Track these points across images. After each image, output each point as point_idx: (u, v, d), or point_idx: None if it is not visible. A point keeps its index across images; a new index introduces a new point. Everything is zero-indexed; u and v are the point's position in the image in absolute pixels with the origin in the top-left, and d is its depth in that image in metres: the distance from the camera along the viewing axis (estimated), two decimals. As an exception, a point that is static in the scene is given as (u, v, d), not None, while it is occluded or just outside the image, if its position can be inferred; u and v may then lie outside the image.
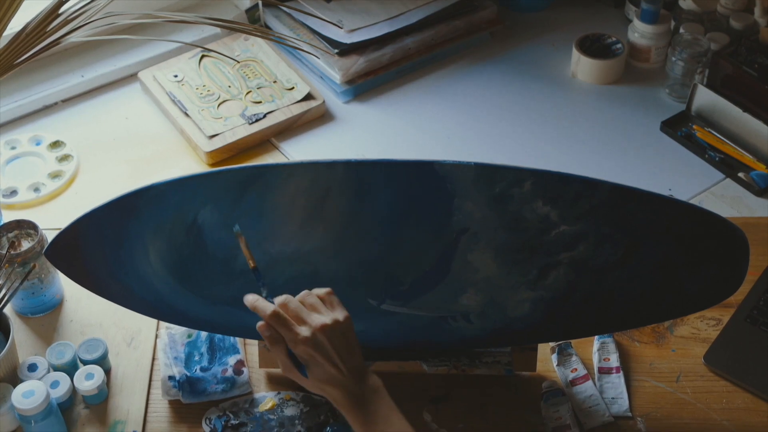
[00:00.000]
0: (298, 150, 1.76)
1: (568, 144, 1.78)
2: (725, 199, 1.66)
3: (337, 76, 1.83)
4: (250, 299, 1.13)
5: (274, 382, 1.38)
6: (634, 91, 1.89)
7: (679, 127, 1.79)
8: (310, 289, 1.15)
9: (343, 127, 1.81)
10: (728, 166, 1.72)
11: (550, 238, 1.19)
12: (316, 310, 1.11)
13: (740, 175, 1.69)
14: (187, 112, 1.77)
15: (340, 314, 1.12)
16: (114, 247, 1.23)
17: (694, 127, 1.78)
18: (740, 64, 1.74)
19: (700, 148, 1.75)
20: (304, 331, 1.09)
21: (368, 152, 1.75)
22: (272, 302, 1.11)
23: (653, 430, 1.33)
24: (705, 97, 1.77)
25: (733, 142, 1.75)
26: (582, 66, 1.89)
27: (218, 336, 1.40)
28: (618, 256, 1.20)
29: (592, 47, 1.90)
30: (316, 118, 1.81)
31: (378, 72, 1.87)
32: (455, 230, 1.18)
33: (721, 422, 1.34)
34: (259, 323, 1.11)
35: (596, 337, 1.41)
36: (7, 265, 1.37)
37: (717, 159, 1.72)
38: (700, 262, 1.22)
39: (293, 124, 1.79)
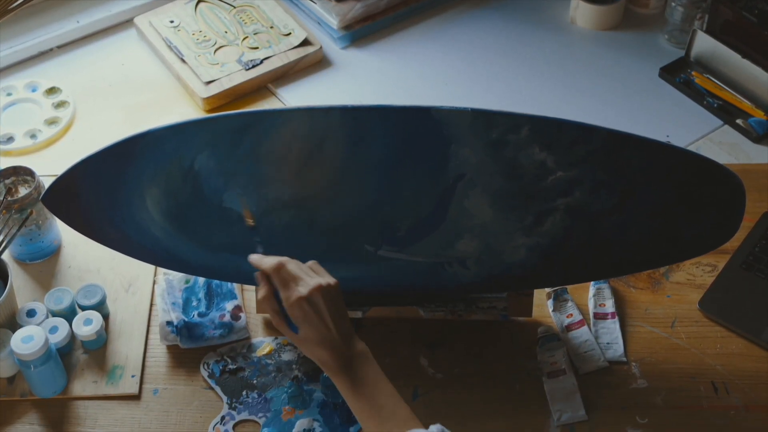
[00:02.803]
0: (295, 96, 1.75)
1: (566, 90, 1.77)
2: (723, 146, 1.66)
3: (334, 22, 1.82)
4: (255, 258, 1.16)
5: (271, 327, 1.38)
6: (632, 37, 1.88)
7: (678, 73, 1.78)
8: (306, 235, 1.16)
9: (341, 73, 1.80)
10: (726, 113, 1.71)
11: (546, 184, 1.19)
12: (310, 273, 1.14)
13: (738, 121, 1.69)
14: (184, 58, 1.76)
15: (331, 279, 1.14)
16: (111, 193, 1.23)
17: (693, 73, 1.78)
18: (740, 10, 1.72)
19: (698, 95, 1.74)
20: (301, 290, 1.11)
21: (365, 98, 1.74)
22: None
23: (648, 374, 1.34)
24: (704, 43, 1.76)
25: (731, 89, 1.74)
26: (581, 11, 1.88)
27: (216, 282, 1.41)
28: (614, 202, 1.21)
29: (591, -8, 1.89)
30: (313, 64, 1.80)
31: (375, 17, 1.86)
32: (452, 176, 1.18)
33: (715, 367, 1.35)
34: (258, 274, 1.13)
35: (592, 282, 1.42)
36: (4, 211, 1.37)
37: (715, 105, 1.72)
38: (696, 208, 1.23)
39: (290, 70, 1.78)
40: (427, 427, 1.07)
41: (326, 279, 1.14)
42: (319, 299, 1.12)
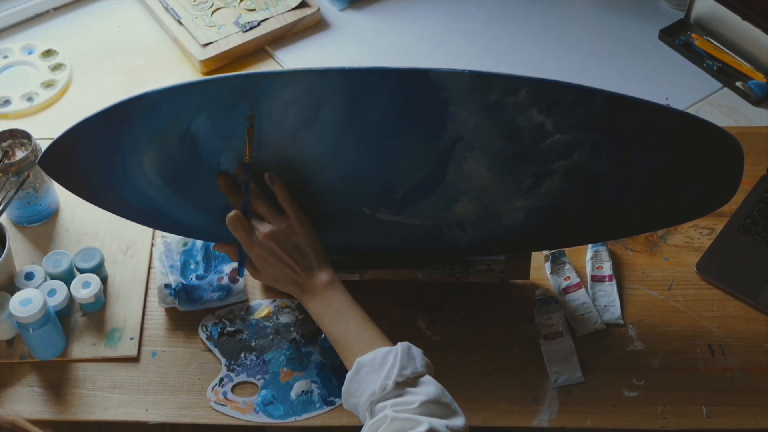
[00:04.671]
0: (292, 58, 1.74)
1: (565, 52, 1.76)
2: (722, 109, 1.66)
3: (332, -17, 1.81)
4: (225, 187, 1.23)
5: (269, 290, 1.39)
6: (632, -2, 1.87)
7: (678, 35, 1.77)
8: (303, 198, 1.17)
9: (339, 35, 1.79)
10: (726, 75, 1.70)
11: (544, 146, 1.18)
12: (268, 219, 1.21)
13: (738, 84, 1.68)
14: (181, 20, 1.75)
15: (281, 223, 1.20)
16: (108, 156, 1.22)
17: (693, 35, 1.76)
18: (741, -29, 1.71)
19: (698, 57, 1.73)
20: (256, 238, 1.20)
21: (363, 60, 1.73)
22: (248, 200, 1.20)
23: (644, 337, 1.34)
24: (704, 5, 1.75)
25: (731, 51, 1.73)
26: (580, -27, 1.86)
27: (213, 244, 1.41)
28: (612, 164, 1.20)
29: (591, -47, 1.87)
30: (311, 26, 1.79)
31: (374, -21, 1.85)
32: (449, 139, 1.18)
33: (712, 329, 1.35)
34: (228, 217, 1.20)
35: (590, 245, 1.42)
36: (1, 174, 1.37)
37: (715, 68, 1.71)
38: (694, 171, 1.22)
39: (288, 32, 1.77)
40: (394, 345, 1.12)
41: (277, 224, 1.20)
42: (271, 244, 1.19)
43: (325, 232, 1.25)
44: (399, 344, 1.12)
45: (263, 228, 1.20)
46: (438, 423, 1.03)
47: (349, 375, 1.12)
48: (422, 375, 1.10)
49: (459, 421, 1.06)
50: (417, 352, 1.12)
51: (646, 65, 1.74)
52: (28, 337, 1.28)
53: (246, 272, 1.25)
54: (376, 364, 1.10)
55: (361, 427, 1.10)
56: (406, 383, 1.08)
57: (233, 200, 1.21)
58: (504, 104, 1.15)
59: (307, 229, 1.21)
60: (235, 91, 1.15)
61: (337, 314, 1.17)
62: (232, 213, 1.19)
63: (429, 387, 1.08)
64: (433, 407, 1.06)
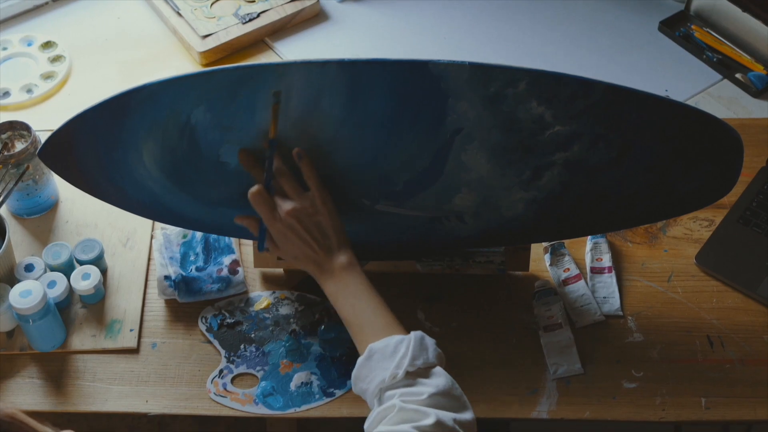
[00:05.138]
0: (292, 50, 1.74)
1: (565, 44, 1.76)
2: (722, 100, 1.66)
3: (331, -25, 1.81)
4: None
5: (269, 281, 1.39)
6: (632, -10, 1.87)
7: (678, 27, 1.77)
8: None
9: (338, 26, 1.79)
10: (726, 67, 1.70)
11: (544, 138, 1.18)
12: (291, 196, 1.19)
13: (738, 75, 1.68)
14: (180, 11, 1.74)
15: (304, 200, 1.18)
16: (107, 147, 1.22)
17: (693, 27, 1.76)
18: (741, -37, 1.71)
19: (697, 49, 1.73)
20: (278, 214, 1.18)
21: (363, 52, 1.73)
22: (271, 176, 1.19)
23: (643, 328, 1.35)
24: (704, -3, 1.75)
25: (731, 43, 1.73)
26: (580, -36, 1.86)
27: (213, 236, 1.41)
28: (612, 156, 1.20)
29: (591, -55, 1.87)
30: (310, 17, 1.79)
31: (373, -30, 1.84)
32: (449, 130, 1.18)
33: (711, 321, 1.35)
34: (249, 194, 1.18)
35: (589, 237, 1.42)
36: (0, 166, 1.37)
37: (715, 59, 1.71)
38: (694, 162, 1.22)
39: (287, 23, 1.77)
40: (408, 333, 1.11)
41: (300, 202, 1.18)
42: (293, 221, 1.17)
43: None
44: (412, 333, 1.11)
45: (286, 205, 1.18)
46: (446, 416, 1.03)
47: (360, 360, 1.12)
48: (434, 366, 1.10)
49: (467, 415, 1.06)
50: (430, 342, 1.11)
51: (645, 57, 1.74)
52: (28, 329, 1.28)
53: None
54: (388, 351, 1.10)
55: (360, 418, 1.10)
56: (416, 373, 1.08)
57: (256, 175, 1.19)
58: (504, 96, 1.15)
59: (330, 208, 1.19)
60: (235, 82, 1.15)
61: (353, 297, 1.17)
62: (255, 188, 1.17)
63: (439, 379, 1.08)
64: (442, 399, 1.06)
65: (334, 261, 1.18)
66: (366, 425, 1.08)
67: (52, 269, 1.36)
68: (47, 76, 1.68)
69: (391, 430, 1.02)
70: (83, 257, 1.37)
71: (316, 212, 1.18)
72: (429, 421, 1.02)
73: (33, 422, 0.80)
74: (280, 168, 1.18)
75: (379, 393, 1.09)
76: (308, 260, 1.19)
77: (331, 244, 1.19)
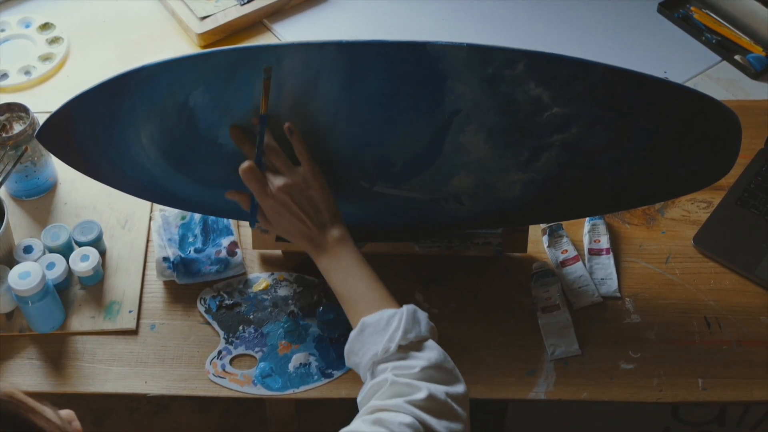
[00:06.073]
0: (290, 31, 1.73)
1: (563, 25, 1.76)
2: (721, 82, 1.65)
3: (329, -44, 1.80)
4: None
5: (267, 263, 1.39)
6: (631, -29, 1.86)
7: (677, 8, 1.77)
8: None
9: (337, 8, 1.79)
10: (725, 49, 1.70)
11: (542, 120, 1.18)
12: (282, 171, 1.18)
13: (737, 57, 1.68)
14: (178, -7, 1.74)
15: (296, 175, 1.18)
16: (106, 129, 1.22)
17: (692, 8, 1.76)
18: (740, -56, 1.71)
19: (697, 30, 1.73)
20: (269, 190, 1.17)
21: (361, 34, 1.73)
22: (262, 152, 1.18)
23: (641, 310, 1.35)
24: (703, -22, 1.75)
25: (730, 25, 1.73)
26: (579, -55, 1.85)
27: (212, 218, 1.41)
28: (610, 137, 1.20)
29: (590, -74, 1.86)
30: (309, -1, 1.79)
31: (372, -49, 1.83)
32: (447, 112, 1.18)
33: (708, 302, 1.36)
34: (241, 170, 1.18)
35: (587, 218, 1.42)
36: (-1, 147, 1.37)
37: (714, 41, 1.71)
38: (692, 144, 1.22)
39: (286, 5, 1.76)
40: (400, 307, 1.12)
41: (292, 177, 1.17)
42: (284, 197, 1.17)
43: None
44: (405, 307, 1.11)
45: (277, 181, 1.17)
46: (437, 389, 1.04)
47: (353, 334, 1.12)
48: (426, 339, 1.10)
49: (459, 388, 1.07)
50: (422, 315, 1.12)
51: (644, 38, 1.73)
52: (27, 310, 1.28)
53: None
54: (380, 325, 1.10)
55: (358, 399, 1.10)
56: (409, 347, 1.08)
57: (247, 151, 1.19)
58: (502, 77, 1.15)
59: (321, 182, 1.19)
60: (233, 64, 1.15)
61: (345, 272, 1.17)
62: (246, 164, 1.17)
63: (431, 352, 1.08)
64: (434, 373, 1.06)
65: (327, 235, 1.18)
66: (359, 398, 1.09)
67: (51, 251, 1.36)
68: (45, 58, 1.68)
69: (383, 404, 1.02)
70: (82, 239, 1.37)
71: (308, 187, 1.18)
72: (421, 395, 1.02)
73: (31, 401, 0.80)
74: (270, 144, 1.18)
75: (372, 366, 1.09)
76: (301, 235, 1.19)
77: (324, 218, 1.19)
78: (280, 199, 1.17)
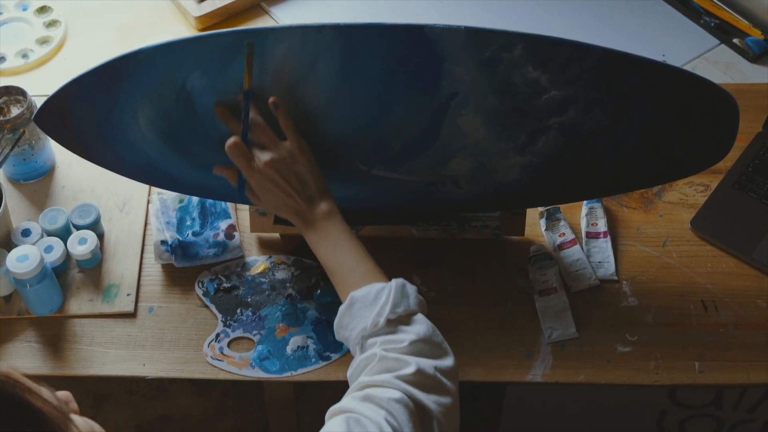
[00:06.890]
0: (288, 14, 1.73)
1: (561, 8, 1.75)
2: (719, 65, 1.65)
3: (327, -61, 1.80)
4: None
5: (265, 246, 1.39)
6: (630, -46, 1.85)
7: (675, -9, 1.77)
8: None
9: (334, -9, 1.78)
10: (723, 32, 1.70)
11: (539, 102, 1.18)
12: (264, 147, 1.18)
13: (735, 41, 1.68)
14: (175, -25, 1.73)
15: (285, 149, 1.18)
16: (104, 112, 1.22)
17: (691, -9, 1.76)
18: (739, -74, 1.70)
19: (695, 13, 1.73)
20: (256, 165, 1.17)
21: (359, 17, 1.72)
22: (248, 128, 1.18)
23: (638, 293, 1.35)
24: (702, -39, 1.74)
25: (729, 8, 1.72)
26: (578, -72, 1.85)
27: (210, 201, 1.41)
28: (608, 121, 1.20)
29: None
30: (306, -18, 1.78)
31: (370, -66, 1.83)
32: (445, 95, 1.18)
33: (705, 286, 1.36)
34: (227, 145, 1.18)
35: (585, 202, 1.42)
36: (-4, 131, 1.37)
37: (712, 24, 1.71)
38: (690, 127, 1.22)
39: (283, -12, 1.76)
40: (389, 281, 1.11)
41: (278, 152, 1.17)
42: (271, 172, 1.17)
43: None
44: (393, 281, 1.11)
45: (264, 156, 1.17)
46: (426, 363, 1.04)
47: (342, 308, 1.12)
48: (415, 313, 1.10)
49: (448, 361, 1.07)
50: (411, 289, 1.11)
51: (642, 21, 1.73)
52: (26, 293, 1.28)
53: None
54: (369, 299, 1.10)
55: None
56: (398, 321, 1.08)
57: (232, 128, 1.19)
58: (499, 60, 1.15)
59: (308, 156, 1.19)
60: (231, 47, 1.15)
61: (334, 246, 1.17)
62: (231, 140, 1.17)
63: (420, 326, 1.08)
64: (423, 346, 1.06)
65: (315, 209, 1.18)
66: (349, 373, 1.09)
67: (49, 234, 1.36)
68: (43, 41, 1.68)
69: (372, 380, 1.03)
70: (80, 222, 1.37)
71: (295, 161, 1.18)
72: (409, 369, 1.03)
73: (28, 381, 0.80)
74: (256, 119, 1.18)
75: (361, 341, 1.09)
76: (289, 210, 1.19)
77: (311, 192, 1.18)
78: (267, 174, 1.17)
